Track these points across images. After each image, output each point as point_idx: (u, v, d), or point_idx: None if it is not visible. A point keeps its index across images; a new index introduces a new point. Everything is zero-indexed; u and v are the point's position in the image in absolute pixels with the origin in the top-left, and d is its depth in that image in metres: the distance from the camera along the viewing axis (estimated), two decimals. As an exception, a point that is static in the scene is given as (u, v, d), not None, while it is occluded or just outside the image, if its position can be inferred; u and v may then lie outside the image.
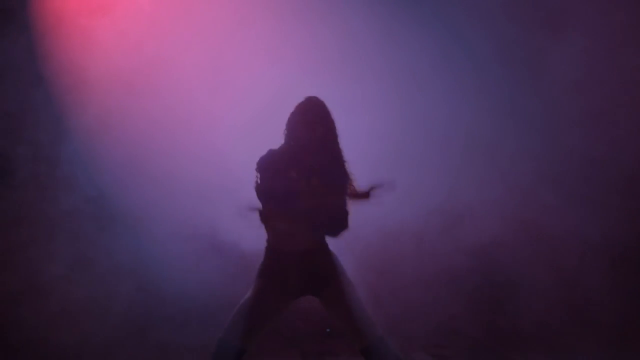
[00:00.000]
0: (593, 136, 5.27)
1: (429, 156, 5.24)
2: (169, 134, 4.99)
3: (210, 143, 4.98)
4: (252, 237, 4.76)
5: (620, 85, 5.26)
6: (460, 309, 5.29)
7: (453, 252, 5.32)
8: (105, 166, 4.96)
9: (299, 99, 3.35)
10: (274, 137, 3.38)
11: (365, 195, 3.34)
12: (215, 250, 5.01)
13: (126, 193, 4.95)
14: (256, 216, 3.28)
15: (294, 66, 4.61)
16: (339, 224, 3.31)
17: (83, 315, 4.86)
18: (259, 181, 3.28)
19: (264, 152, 3.36)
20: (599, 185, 5.31)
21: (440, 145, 5.26)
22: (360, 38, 5.10)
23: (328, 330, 5.19)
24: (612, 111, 5.30)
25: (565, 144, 5.33)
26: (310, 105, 3.35)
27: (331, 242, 3.33)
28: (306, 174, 3.28)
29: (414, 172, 5.16)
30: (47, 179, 4.94)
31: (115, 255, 4.97)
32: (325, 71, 3.50)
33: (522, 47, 5.26)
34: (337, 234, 3.32)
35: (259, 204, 3.28)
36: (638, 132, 5.29)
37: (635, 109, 5.31)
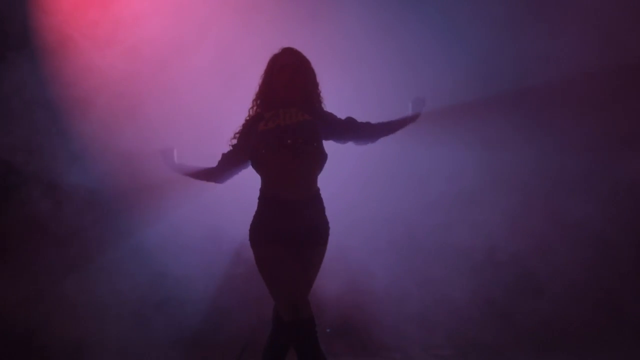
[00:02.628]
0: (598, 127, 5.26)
1: (431, 150, 5.25)
2: (174, 137, 5.04)
3: (216, 145, 5.06)
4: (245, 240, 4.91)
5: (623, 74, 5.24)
6: (462, 308, 5.28)
7: (454, 251, 5.34)
8: (110, 171, 5.03)
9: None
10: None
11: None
12: (219, 248, 5.09)
13: (132, 196, 5.04)
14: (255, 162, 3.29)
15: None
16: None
17: (95, 314, 4.97)
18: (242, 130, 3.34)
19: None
20: (604, 178, 5.34)
21: (443, 140, 5.24)
22: (361, 37, 5.13)
23: (328, 330, 5.21)
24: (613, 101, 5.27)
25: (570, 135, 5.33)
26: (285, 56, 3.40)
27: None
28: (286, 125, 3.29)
29: (413, 169, 5.23)
30: (55, 190, 5.03)
31: (123, 257, 5.05)
32: (328, 70, 3.58)
33: (521, 39, 5.25)
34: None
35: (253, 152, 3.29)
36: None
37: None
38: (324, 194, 3.40)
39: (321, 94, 3.48)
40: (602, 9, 5.17)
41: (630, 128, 5.31)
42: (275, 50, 3.47)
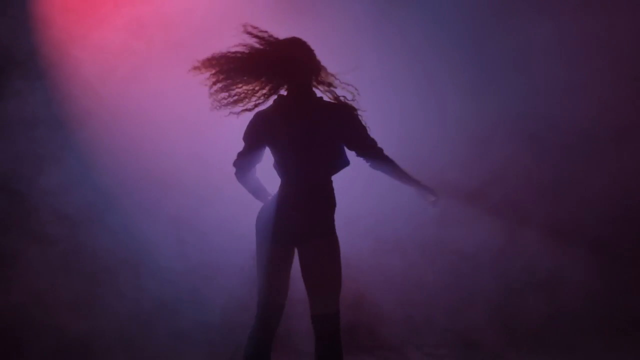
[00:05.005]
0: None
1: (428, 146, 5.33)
2: (168, 134, 5.11)
3: (211, 144, 5.08)
4: (243, 236, 4.95)
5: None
6: (457, 307, 5.33)
7: (449, 251, 5.38)
8: (107, 169, 5.09)
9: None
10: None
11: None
12: (207, 247, 5.14)
13: (127, 195, 5.10)
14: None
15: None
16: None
17: (93, 310, 5.04)
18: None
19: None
20: (605, 172, 5.36)
21: (433, 127, 5.32)
22: (359, 39, 5.18)
23: (322, 329, 5.20)
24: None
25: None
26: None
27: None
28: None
29: (412, 164, 5.23)
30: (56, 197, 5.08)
31: (115, 254, 5.10)
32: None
33: (518, 30, 5.29)
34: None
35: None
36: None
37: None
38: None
39: None
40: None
41: (629, 121, 5.35)
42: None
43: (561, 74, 5.30)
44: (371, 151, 3.41)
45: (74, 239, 5.05)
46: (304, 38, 3.52)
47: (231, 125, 3.65)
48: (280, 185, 3.42)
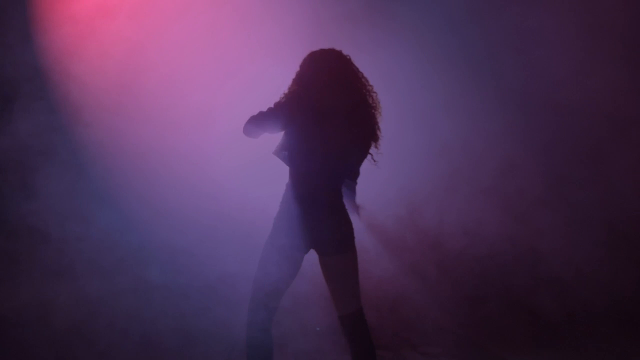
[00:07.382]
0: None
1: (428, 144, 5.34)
2: (160, 134, 5.13)
3: (200, 146, 5.09)
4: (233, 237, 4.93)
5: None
6: (452, 307, 5.34)
7: (444, 250, 5.39)
8: (110, 175, 5.15)
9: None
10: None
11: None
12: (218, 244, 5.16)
13: (120, 192, 5.12)
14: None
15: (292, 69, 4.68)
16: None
17: (92, 305, 5.06)
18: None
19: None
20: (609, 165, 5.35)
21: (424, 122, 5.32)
22: (358, 42, 5.16)
23: (318, 328, 5.24)
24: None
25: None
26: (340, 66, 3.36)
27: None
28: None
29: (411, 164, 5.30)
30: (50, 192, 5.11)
31: (125, 253, 5.16)
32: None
33: (497, 16, 5.30)
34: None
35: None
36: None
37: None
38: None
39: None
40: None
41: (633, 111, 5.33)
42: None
43: (563, 60, 5.29)
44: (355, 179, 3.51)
45: (76, 242, 5.09)
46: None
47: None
48: (302, 185, 3.33)
